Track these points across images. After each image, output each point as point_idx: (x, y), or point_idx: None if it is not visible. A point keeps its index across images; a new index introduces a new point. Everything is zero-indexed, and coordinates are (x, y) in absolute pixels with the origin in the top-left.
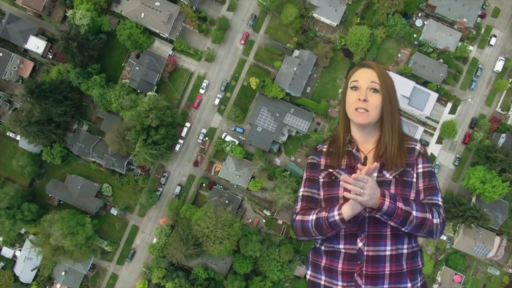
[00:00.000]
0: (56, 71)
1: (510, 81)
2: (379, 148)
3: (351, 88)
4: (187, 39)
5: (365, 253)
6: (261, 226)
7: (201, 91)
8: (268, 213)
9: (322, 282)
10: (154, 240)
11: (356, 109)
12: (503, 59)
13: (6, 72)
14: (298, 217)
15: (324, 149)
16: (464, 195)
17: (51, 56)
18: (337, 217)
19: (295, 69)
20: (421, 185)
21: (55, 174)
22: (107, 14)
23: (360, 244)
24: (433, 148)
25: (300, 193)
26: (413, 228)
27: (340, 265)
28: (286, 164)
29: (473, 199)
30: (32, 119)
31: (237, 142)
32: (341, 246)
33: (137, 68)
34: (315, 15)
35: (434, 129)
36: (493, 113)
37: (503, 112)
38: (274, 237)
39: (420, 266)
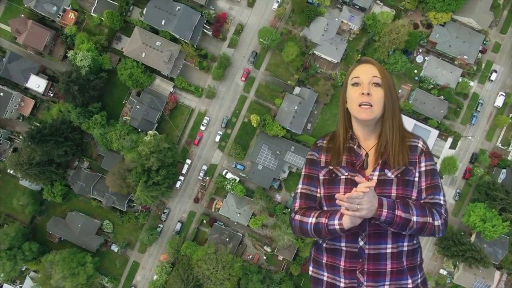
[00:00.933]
0: (57, 109)
1: (510, 116)
2: (380, 146)
3: (352, 84)
4: (188, 76)
5: (366, 251)
6: (262, 262)
7: (202, 127)
8: (268, 249)
9: (325, 278)
10: (155, 277)
11: (360, 105)
12: (504, 94)
13: (7, 111)
14: (297, 217)
15: (324, 144)
16: (464, 231)
17: (51, 94)
18: (337, 226)
19: (296, 107)
20: (423, 184)
21: (55, 210)
22: (108, 51)
23: (361, 243)
24: None
25: (298, 190)
26: (413, 231)
27: (342, 263)
28: (287, 200)
29: (473, 236)
30: (33, 161)
31: (237, 179)
32: (343, 244)
33: (137, 107)
34: (316, 52)
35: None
36: (493, 148)
37: (503, 147)
38: (274, 274)
39: (420, 262)
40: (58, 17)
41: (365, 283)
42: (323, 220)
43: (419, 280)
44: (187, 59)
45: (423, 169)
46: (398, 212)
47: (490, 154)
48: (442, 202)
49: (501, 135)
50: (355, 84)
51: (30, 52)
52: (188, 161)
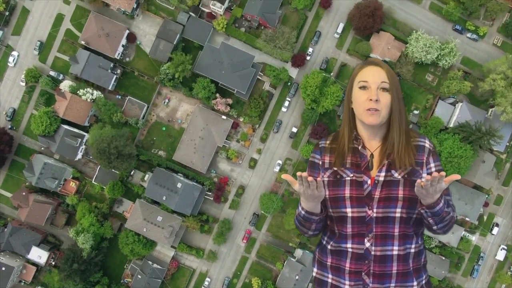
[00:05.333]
0: (59, 280)
1: (511, 269)
2: (386, 147)
3: (360, 87)
4: (189, 239)
5: (372, 253)
6: None
7: None
8: None
9: (330, 280)
10: None
11: (368, 109)
12: (505, 248)
13: (9, 282)
14: (295, 218)
15: (327, 145)
16: None
17: (53, 263)
18: (302, 212)
19: (297, 276)
20: None
21: None
22: (109, 216)
23: (367, 244)
24: None
25: None
26: (443, 225)
27: (347, 265)
28: None
29: None
30: None
31: None
32: (349, 245)
33: (139, 276)
34: None
35: None
36: None
37: None
38: None
39: (424, 263)
40: (60, 186)
41: (370, 285)
42: (299, 209)
43: (423, 281)
44: (188, 228)
45: (433, 169)
46: (446, 209)
47: None
48: (452, 202)
49: (502, 287)
50: (363, 88)
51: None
52: None
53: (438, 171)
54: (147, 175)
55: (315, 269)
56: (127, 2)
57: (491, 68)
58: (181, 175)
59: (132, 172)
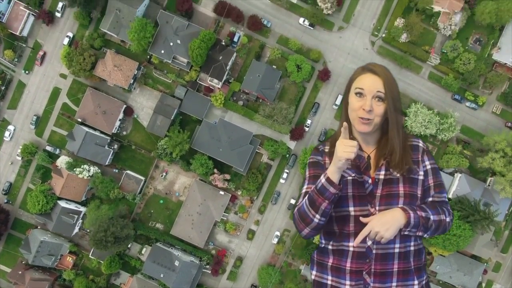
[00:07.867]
0: None
1: None
2: (384, 152)
3: (355, 93)
4: None
5: (374, 251)
6: None
7: None
8: None
9: (329, 282)
10: None
11: (360, 117)
12: None
13: None
14: (295, 210)
15: (326, 150)
16: None
17: None
18: (323, 179)
19: None
20: (430, 181)
21: None
22: None
23: (369, 242)
24: None
25: (304, 190)
26: (432, 231)
27: (348, 264)
28: None
29: None
30: None
31: None
32: (351, 244)
33: None
34: None
35: None
36: None
37: None
38: None
39: (424, 263)
40: (56, 262)
41: (371, 284)
42: (311, 187)
43: (424, 282)
44: None
45: (428, 167)
46: (419, 213)
47: None
48: (446, 199)
49: None
50: (358, 94)
51: None
52: None
53: (434, 168)
54: (144, 248)
55: (314, 272)
56: (124, 79)
57: (490, 143)
58: (179, 248)
59: (129, 245)
